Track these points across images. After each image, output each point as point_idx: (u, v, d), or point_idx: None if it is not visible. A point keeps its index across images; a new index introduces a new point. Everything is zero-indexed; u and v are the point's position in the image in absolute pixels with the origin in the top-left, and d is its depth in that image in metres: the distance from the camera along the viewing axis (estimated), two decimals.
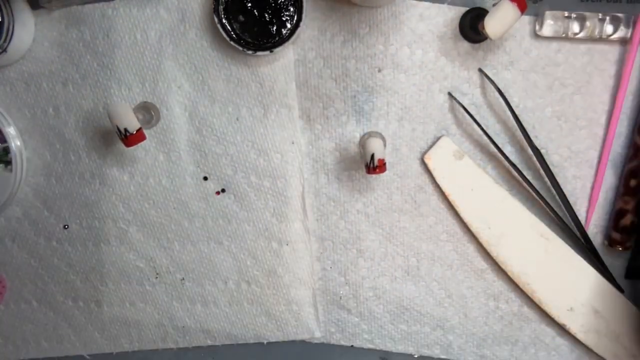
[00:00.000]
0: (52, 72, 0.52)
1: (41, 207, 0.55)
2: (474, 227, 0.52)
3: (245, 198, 0.53)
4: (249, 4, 0.48)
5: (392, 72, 0.51)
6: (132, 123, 0.46)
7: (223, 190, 0.53)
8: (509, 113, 0.50)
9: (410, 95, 0.51)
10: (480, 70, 0.51)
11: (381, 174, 0.51)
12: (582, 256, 0.52)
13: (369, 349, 0.56)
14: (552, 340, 0.54)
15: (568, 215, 0.52)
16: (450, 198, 0.52)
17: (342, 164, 0.53)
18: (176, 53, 0.51)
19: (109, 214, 0.54)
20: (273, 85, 0.51)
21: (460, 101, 0.51)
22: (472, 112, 0.51)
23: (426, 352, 0.55)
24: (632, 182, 0.50)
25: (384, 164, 0.46)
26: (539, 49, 0.50)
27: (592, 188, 0.52)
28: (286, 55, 0.51)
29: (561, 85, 0.51)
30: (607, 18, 0.49)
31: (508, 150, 0.52)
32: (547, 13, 0.49)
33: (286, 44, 0.49)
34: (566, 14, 0.49)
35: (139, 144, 0.48)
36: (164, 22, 0.51)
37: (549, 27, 0.49)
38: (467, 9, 0.50)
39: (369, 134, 0.49)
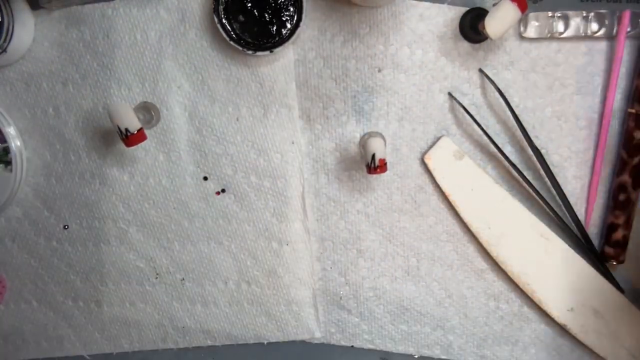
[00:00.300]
0: (52, 72, 0.52)
1: (41, 207, 0.55)
2: (474, 227, 0.52)
3: (245, 198, 0.53)
4: (249, 4, 0.48)
5: (392, 72, 0.51)
6: (133, 123, 0.46)
7: (223, 190, 0.53)
8: (509, 113, 0.50)
9: (411, 96, 0.51)
10: (480, 70, 0.51)
11: (381, 174, 0.51)
12: (582, 256, 0.52)
13: (369, 350, 0.56)
14: (553, 341, 0.54)
15: (568, 215, 0.52)
16: (451, 198, 0.52)
17: (342, 164, 0.53)
18: (176, 53, 0.51)
19: (109, 214, 0.54)
20: (273, 85, 0.51)
21: (461, 101, 0.51)
22: (472, 112, 0.51)
23: (426, 352, 0.55)
24: (621, 197, 0.51)
25: (385, 163, 0.46)
26: (539, 49, 0.50)
27: (589, 188, 0.52)
28: (286, 55, 0.51)
29: (561, 85, 0.51)
30: (591, 15, 0.49)
31: (508, 150, 0.52)
32: (531, 14, 0.49)
33: (286, 44, 0.49)
34: (550, 14, 0.49)
35: (139, 144, 0.48)
36: (164, 22, 0.51)
37: (533, 28, 0.49)
38: (467, 9, 0.50)
39: (370, 134, 0.49)
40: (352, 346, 0.56)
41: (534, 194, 0.51)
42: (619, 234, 0.51)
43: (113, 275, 0.55)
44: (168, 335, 0.56)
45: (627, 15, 0.48)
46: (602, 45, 0.50)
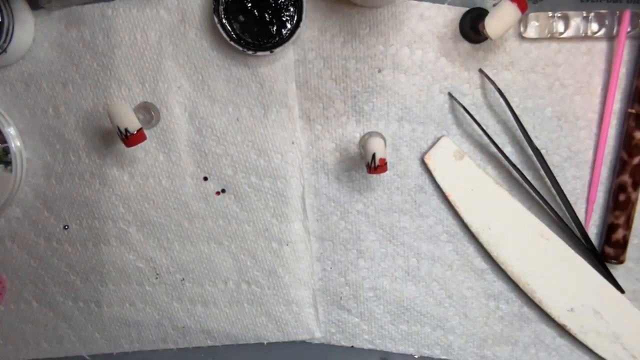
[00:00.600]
0: (52, 72, 0.52)
1: (41, 207, 0.55)
2: (474, 228, 0.52)
3: (245, 198, 0.53)
4: (249, 4, 0.48)
5: (392, 72, 0.51)
6: (132, 123, 0.46)
7: (223, 191, 0.53)
8: (509, 113, 0.50)
9: (411, 96, 0.51)
10: (480, 70, 0.51)
11: (382, 174, 0.51)
12: (582, 256, 0.52)
13: (369, 350, 0.56)
14: (553, 341, 0.54)
15: (568, 215, 0.52)
16: (451, 198, 0.52)
17: (342, 164, 0.53)
18: (176, 53, 0.51)
19: (109, 214, 0.54)
20: (273, 85, 0.51)
21: (461, 101, 0.51)
22: (473, 113, 0.51)
23: (426, 352, 0.55)
24: (622, 197, 0.51)
25: (385, 163, 0.46)
26: (539, 49, 0.50)
27: (590, 188, 0.52)
28: (286, 55, 0.51)
29: (561, 86, 0.51)
30: (591, 16, 0.49)
31: (508, 150, 0.52)
32: (531, 15, 0.49)
33: (286, 44, 0.49)
34: (550, 14, 0.49)
35: (139, 144, 0.48)
36: (164, 23, 0.51)
37: (533, 28, 0.49)
38: (467, 9, 0.50)
39: (370, 134, 0.49)
40: (352, 346, 0.56)
41: (534, 194, 0.51)
42: (619, 234, 0.51)
43: (113, 276, 0.55)
44: (168, 336, 0.56)
45: (627, 16, 0.48)
46: (602, 45, 0.50)
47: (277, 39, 0.49)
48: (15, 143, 0.52)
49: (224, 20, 0.49)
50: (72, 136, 0.53)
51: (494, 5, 0.48)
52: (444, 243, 0.54)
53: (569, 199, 0.52)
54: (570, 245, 0.52)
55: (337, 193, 0.53)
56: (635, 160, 0.50)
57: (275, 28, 0.49)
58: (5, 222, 0.55)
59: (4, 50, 0.49)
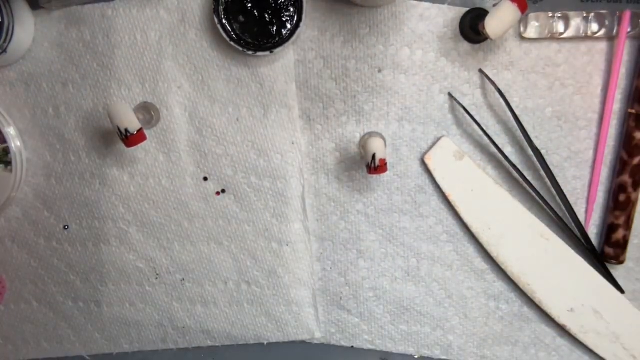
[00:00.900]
0: (52, 72, 0.52)
1: (41, 207, 0.55)
2: (474, 228, 0.52)
3: (245, 198, 0.53)
4: (249, 5, 0.48)
5: (392, 72, 0.51)
6: (132, 123, 0.46)
7: (223, 191, 0.53)
8: (509, 114, 0.50)
9: (411, 96, 0.51)
10: (480, 70, 0.51)
11: (382, 175, 0.51)
12: (582, 256, 0.52)
13: (369, 350, 0.56)
14: (553, 341, 0.54)
15: (568, 216, 0.52)
16: (451, 199, 0.52)
17: (343, 165, 0.53)
18: (176, 53, 0.51)
19: (109, 214, 0.54)
20: (273, 85, 0.51)
21: (461, 102, 0.51)
22: (473, 113, 0.51)
23: (426, 352, 0.55)
24: (622, 197, 0.51)
25: (385, 164, 0.46)
26: (540, 49, 0.50)
27: (590, 188, 0.52)
28: (286, 55, 0.51)
29: (561, 86, 0.51)
30: (591, 16, 0.49)
31: (508, 150, 0.52)
32: (531, 15, 0.49)
33: (286, 45, 0.49)
34: (550, 14, 0.49)
35: (139, 145, 0.48)
36: (164, 23, 0.51)
37: (533, 28, 0.49)
38: (468, 9, 0.50)
39: (370, 134, 0.49)
40: (352, 346, 0.56)
41: (534, 194, 0.51)
42: (619, 234, 0.51)
43: (113, 276, 0.55)
44: (168, 336, 0.56)
45: (627, 16, 0.48)
46: (602, 45, 0.50)
47: (277, 39, 0.49)
48: (15, 143, 0.52)
49: (224, 21, 0.49)
50: (72, 136, 0.53)
51: (494, 5, 0.48)
52: (444, 243, 0.54)
53: (569, 199, 0.52)
54: (570, 246, 0.52)
55: (337, 193, 0.53)
56: (636, 161, 0.50)
57: (275, 28, 0.49)
58: (5, 222, 0.55)
59: (4, 50, 0.49)
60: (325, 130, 0.52)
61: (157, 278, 0.55)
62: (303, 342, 0.56)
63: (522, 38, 0.50)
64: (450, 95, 0.51)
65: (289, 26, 0.49)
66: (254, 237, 0.54)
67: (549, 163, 0.51)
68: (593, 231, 0.53)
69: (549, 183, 0.52)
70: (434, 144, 0.52)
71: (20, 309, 0.57)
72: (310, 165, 0.53)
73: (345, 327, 0.55)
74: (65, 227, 0.55)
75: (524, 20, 0.49)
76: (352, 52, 0.51)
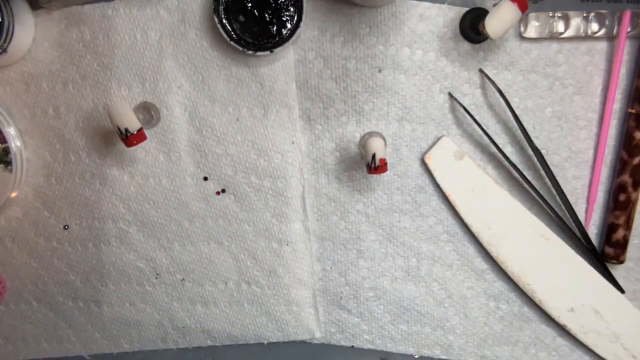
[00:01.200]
0: (52, 72, 0.52)
1: (41, 207, 0.55)
2: (474, 228, 0.52)
3: (245, 198, 0.53)
4: (249, 4, 0.48)
5: (392, 72, 0.51)
6: (132, 123, 0.46)
7: (223, 191, 0.53)
8: (509, 113, 0.50)
9: (411, 96, 0.51)
10: (480, 70, 0.51)
11: (382, 174, 0.51)
12: (582, 256, 0.52)
13: (370, 350, 0.56)
14: (553, 341, 0.54)
15: (568, 215, 0.52)
16: (451, 198, 0.52)
17: (343, 164, 0.53)
18: (176, 53, 0.51)
19: (109, 214, 0.54)
20: (273, 85, 0.51)
21: (461, 101, 0.51)
22: (473, 113, 0.51)
23: (427, 352, 0.55)
24: (622, 197, 0.51)
25: (385, 164, 0.46)
26: (540, 49, 0.50)
27: (590, 188, 0.52)
28: (286, 55, 0.51)
29: (561, 86, 0.51)
30: (591, 16, 0.49)
31: (508, 150, 0.52)
32: (531, 14, 0.49)
33: (286, 44, 0.49)
34: (550, 14, 0.49)
35: (139, 144, 0.48)
36: (164, 23, 0.51)
37: (533, 28, 0.49)
38: (468, 9, 0.50)
39: (370, 134, 0.49)
40: (352, 346, 0.56)
41: (534, 194, 0.51)
42: (619, 234, 0.51)
43: (113, 276, 0.55)
44: (168, 335, 0.56)
45: (627, 15, 0.48)
46: (603, 45, 0.50)
47: (277, 39, 0.49)
48: (15, 143, 0.52)
49: (224, 20, 0.49)
50: (72, 136, 0.53)
51: (494, 5, 0.48)
52: (444, 243, 0.54)
53: (569, 199, 0.52)
54: (570, 245, 0.52)
55: (337, 193, 0.53)
56: (636, 160, 0.50)
57: (275, 28, 0.49)
58: (5, 222, 0.55)
59: (4, 50, 0.49)
60: (325, 130, 0.52)
61: (157, 278, 0.55)
62: (303, 342, 0.56)
63: (522, 38, 0.50)
64: (450, 95, 0.51)
65: (289, 26, 0.49)
66: (254, 237, 0.54)
67: (549, 163, 0.51)
68: (593, 231, 0.53)
69: (549, 183, 0.52)
70: (434, 143, 0.52)
71: (20, 309, 0.57)
72: (310, 165, 0.53)
73: (345, 327, 0.55)
74: (65, 227, 0.55)
75: (524, 20, 0.49)
76: (352, 52, 0.51)
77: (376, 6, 0.50)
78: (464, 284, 0.54)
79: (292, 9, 0.49)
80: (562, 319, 0.52)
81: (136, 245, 0.55)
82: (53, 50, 0.52)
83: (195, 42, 0.51)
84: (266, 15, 0.49)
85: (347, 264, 0.54)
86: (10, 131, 0.52)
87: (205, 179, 0.53)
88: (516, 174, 0.52)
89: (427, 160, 0.52)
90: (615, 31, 0.49)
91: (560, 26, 0.49)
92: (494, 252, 0.52)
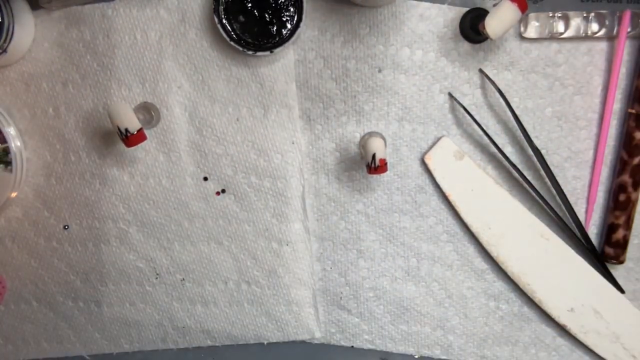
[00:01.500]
0: (52, 72, 0.52)
1: (41, 207, 0.55)
2: (474, 228, 0.52)
3: (245, 198, 0.53)
4: (249, 5, 0.48)
5: (392, 72, 0.51)
6: (132, 123, 0.46)
7: (223, 191, 0.53)
8: (509, 113, 0.50)
9: (411, 96, 0.51)
10: (480, 70, 0.51)
11: (382, 174, 0.51)
12: (582, 256, 0.52)
13: (370, 350, 0.56)
14: (553, 341, 0.54)
15: (568, 215, 0.52)
16: (451, 198, 0.52)
17: (343, 165, 0.53)
18: (176, 53, 0.51)
19: (109, 214, 0.54)
20: (273, 85, 0.51)
21: (461, 101, 0.51)
22: (473, 113, 0.51)
23: (427, 352, 0.55)
24: (622, 197, 0.51)
25: (385, 164, 0.46)
26: (540, 49, 0.50)
27: (590, 188, 0.52)
28: (286, 55, 0.51)
29: (561, 86, 0.51)
30: (591, 16, 0.49)
31: (508, 150, 0.52)
32: (531, 15, 0.49)
33: (286, 45, 0.49)
34: (550, 14, 0.49)
35: (139, 145, 0.48)
36: (164, 23, 0.51)
37: (533, 28, 0.49)
38: (468, 9, 0.50)
39: (370, 134, 0.49)
40: (352, 346, 0.56)
41: (534, 194, 0.51)
42: (619, 234, 0.51)
43: (113, 276, 0.55)
44: (168, 335, 0.56)
45: (627, 16, 0.48)
46: (603, 45, 0.50)
47: (277, 39, 0.49)
48: (15, 143, 0.52)
49: (224, 21, 0.49)
50: (72, 136, 0.53)
51: (494, 5, 0.48)
52: (444, 243, 0.54)
53: (569, 199, 0.52)
54: (570, 245, 0.52)
55: (337, 193, 0.53)
56: (636, 160, 0.50)
57: (275, 28, 0.49)
58: (5, 222, 0.55)
59: (4, 50, 0.49)
60: (325, 130, 0.52)
61: (157, 278, 0.55)
62: (303, 342, 0.56)
63: (522, 38, 0.50)
64: (450, 95, 0.51)
65: (289, 26, 0.49)
66: (254, 237, 0.54)
67: (549, 163, 0.51)
68: (593, 231, 0.53)
69: (549, 183, 0.52)
70: (434, 143, 0.52)
71: (20, 309, 0.57)
72: (310, 165, 0.53)
73: (345, 327, 0.55)
74: (65, 227, 0.55)
75: (524, 20, 0.49)
76: (352, 52, 0.51)
77: (376, 6, 0.50)
78: (464, 284, 0.54)
79: (292, 9, 0.49)
80: (562, 319, 0.52)
81: (136, 245, 0.55)
82: (53, 50, 0.52)
83: (195, 42, 0.51)
84: (266, 16, 0.49)
85: (347, 264, 0.54)
86: (10, 131, 0.52)
87: (205, 179, 0.53)
88: (516, 174, 0.52)
89: (427, 161, 0.52)
90: (615, 31, 0.49)
91: (560, 26, 0.49)
92: (494, 252, 0.52)
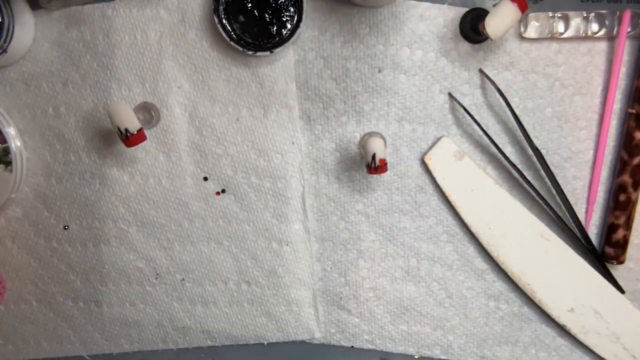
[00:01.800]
0: (52, 72, 0.52)
1: (41, 207, 0.55)
2: (474, 228, 0.52)
3: (245, 198, 0.53)
4: (249, 5, 0.48)
5: (392, 72, 0.51)
6: (132, 123, 0.46)
7: (223, 191, 0.53)
8: (509, 114, 0.50)
9: (411, 96, 0.51)
10: (480, 70, 0.51)
11: (382, 175, 0.51)
12: (582, 256, 0.52)
13: (369, 350, 0.56)
14: (553, 341, 0.54)
15: (568, 216, 0.52)
16: (451, 198, 0.52)
17: (343, 165, 0.53)
18: (176, 53, 0.51)
19: (109, 214, 0.54)
20: (273, 85, 0.51)
21: (461, 102, 0.51)
22: (473, 113, 0.51)
23: (427, 352, 0.55)
24: (622, 197, 0.51)
25: (386, 164, 0.46)
26: (540, 49, 0.50)
27: (590, 188, 0.52)
28: (286, 55, 0.51)
29: (561, 86, 0.51)
30: (591, 16, 0.49)
31: (508, 150, 0.52)
32: (531, 15, 0.49)
33: (286, 45, 0.49)
34: (550, 14, 0.49)
35: (139, 145, 0.48)
36: (164, 23, 0.51)
37: (533, 28, 0.49)
38: (468, 9, 0.50)
39: (370, 134, 0.49)
40: (352, 346, 0.56)
41: (534, 194, 0.51)
42: (619, 234, 0.51)
43: (113, 276, 0.55)
44: (168, 336, 0.56)
45: (627, 16, 0.48)
46: (603, 45, 0.50)
47: (277, 39, 0.49)
48: (15, 143, 0.52)
49: (224, 21, 0.49)
50: (72, 136, 0.53)
51: (494, 5, 0.48)
52: (444, 243, 0.54)
53: (569, 199, 0.52)
54: (570, 246, 0.52)
55: (337, 193, 0.53)
56: (636, 161, 0.50)
57: (275, 28, 0.49)
58: (5, 222, 0.55)
59: (4, 50, 0.49)
60: (325, 130, 0.52)
61: (157, 278, 0.55)
62: (303, 342, 0.56)
63: (522, 38, 0.50)
64: (450, 95, 0.51)
65: (289, 26, 0.49)
66: (254, 237, 0.54)
67: (549, 163, 0.51)
68: (593, 231, 0.53)
69: (549, 183, 0.52)
70: (434, 144, 0.52)
71: (20, 309, 0.57)
72: (310, 165, 0.53)
73: (345, 327, 0.55)
74: (65, 227, 0.55)
75: (524, 20, 0.49)
76: (352, 52, 0.51)
77: (376, 6, 0.50)
78: (464, 284, 0.54)
79: (292, 9, 0.49)
80: (562, 319, 0.52)
81: (136, 245, 0.55)
82: (53, 50, 0.52)
83: (195, 42, 0.51)
84: (266, 16, 0.49)
85: (347, 264, 0.54)
86: (10, 131, 0.52)
87: (205, 179, 0.53)
88: (516, 174, 0.52)
89: (427, 161, 0.52)
90: (615, 31, 0.49)
91: (560, 26, 0.49)
92: (494, 252, 0.52)
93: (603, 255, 0.52)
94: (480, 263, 0.54)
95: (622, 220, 0.51)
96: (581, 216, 0.53)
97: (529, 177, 0.51)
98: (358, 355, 0.56)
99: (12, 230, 0.55)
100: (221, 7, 0.48)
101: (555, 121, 0.52)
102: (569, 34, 0.49)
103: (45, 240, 0.55)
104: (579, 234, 0.52)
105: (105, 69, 0.52)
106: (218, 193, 0.53)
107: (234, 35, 0.49)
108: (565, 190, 0.52)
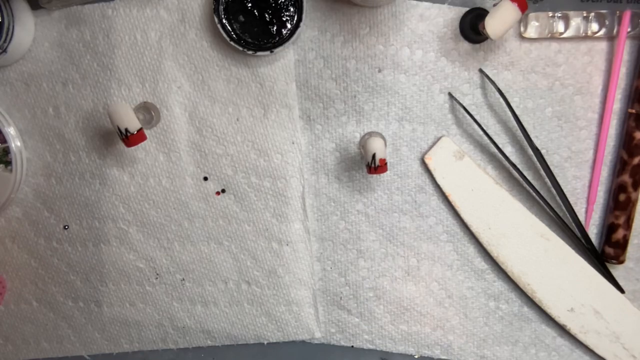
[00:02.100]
0: (52, 72, 0.52)
1: (41, 207, 0.55)
2: (474, 228, 0.52)
3: (245, 198, 0.53)
4: (249, 4, 0.48)
5: (392, 72, 0.51)
6: (132, 123, 0.46)
7: (223, 191, 0.53)
8: (509, 113, 0.50)
9: (411, 96, 0.51)
10: (480, 70, 0.51)
11: (382, 174, 0.51)
12: (582, 256, 0.52)
13: (369, 350, 0.56)
14: (553, 341, 0.54)
15: (568, 215, 0.52)
16: (451, 198, 0.52)
17: (343, 164, 0.53)
18: (176, 53, 0.51)
19: (109, 214, 0.54)
20: (273, 85, 0.51)
21: (461, 101, 0.51)
22: (473, 113, 0.51)
23: (426, 352, 0.55)
24: (622, 197, 0.51)
25: (386, 164, 0.46)
26: (540, 49, 0.50)
27: (590, 188, 0.52)
28: (286, 55, 0.51)
29: (561, 86, 0.51)
30: (591, 16, 0.49)
31: (508, 150, 0.52)
32: (531, 15, 0.49)
33: (286, 44, 0.49)
34: (550, 14, 0.49)
35: (139, 145, 0.48)
36: (164, 23, 0.51)
37: (533, 28, 0.49)
38: (468, 9, 0.50)
39: (370, 134, 0.49)
40: (352, 346, 0.56)
41: (534, 194, 0.51)
42: (619, 234, 0.51)
43: (113, 276, 0.55)
44: (168, 336, 0.56)
45: (627, 16, 0.48)
46: (603, 45, 0.50)
47: (277, 39, 0.49)
48: (15, 143, 0.52)
49: (224, 20, 0.49)
50: (72, 136, 0.53)
51: (494, 5, 0.48)
52: (444, 243, 0.54)
53: (569, 199, 0.52)
54: (570, 245, 0.52)
55: (337, 193, 0.53)
56: (636, 160, 0.50)
57: (275, 28, 0.49)
58: (5, 222, 0.55)
59: (4, 50, 0.49)
60: (325, 130, 0.52)
61: (157, 278, 0.55)
62: (303, 342, 0.56)
63: (522, 38, 0.50)
64: (450, 95, 0.51)
65: (289, 26, 0.49)
66: (254, 237, 0.54)
67: (549, 163, 0.51)
68: (593, 231, 0.53)
69: (549, 183, 0.52)
70: (434, 143, 0.52)
71: (20, 309, 0.57)
72: (310, 165, 0.53)
73: (345, 327, 0.55)
74: (65, 227, 0.55)
75: (524, 20, 0.49)
76: (352, 52, 0.51)
77: (376, 6, 0.50)
78: (464, 284, 0.54)
79: (292, 9, 0.49)
80: (562, 319, 0.52)
81: (136, 245, 0.55)
82: (53, 50, 0.52)
83: (195, 42, 0.51)
84: (266, 15, 0.49)
85: (347, 264, 0.54)
86: (10, 131, 0.52)
87: (205, 179, 0.53)
88: (516, 174, 0.52)
89: (427, 160, 0.52)
90: (615, 31, 0.49)
91: (560, 26, 0.49)
92: (494, 252, 0.52)
93: (603, 255, 0.52)
94: (480, 263, 0.54)
95: (622, 220, 0.51)
96: (581, 216, 0.53)
97: (529, 177, 0.51)
98: (358, 355, 0.56)
99: (12, 230, 0.55)
100: (221, 7, 0.48)
101: (555, 121, 0.52)
102: (569, 33, 0.49)
103: (45, 240, 0.55)
104: (579, 234, 0.52)
105: (105, 69, 0.52)
106: (218, 193, 0.53)
107: (234, 35, 0.49)
108: (565, 190, 0.52)
